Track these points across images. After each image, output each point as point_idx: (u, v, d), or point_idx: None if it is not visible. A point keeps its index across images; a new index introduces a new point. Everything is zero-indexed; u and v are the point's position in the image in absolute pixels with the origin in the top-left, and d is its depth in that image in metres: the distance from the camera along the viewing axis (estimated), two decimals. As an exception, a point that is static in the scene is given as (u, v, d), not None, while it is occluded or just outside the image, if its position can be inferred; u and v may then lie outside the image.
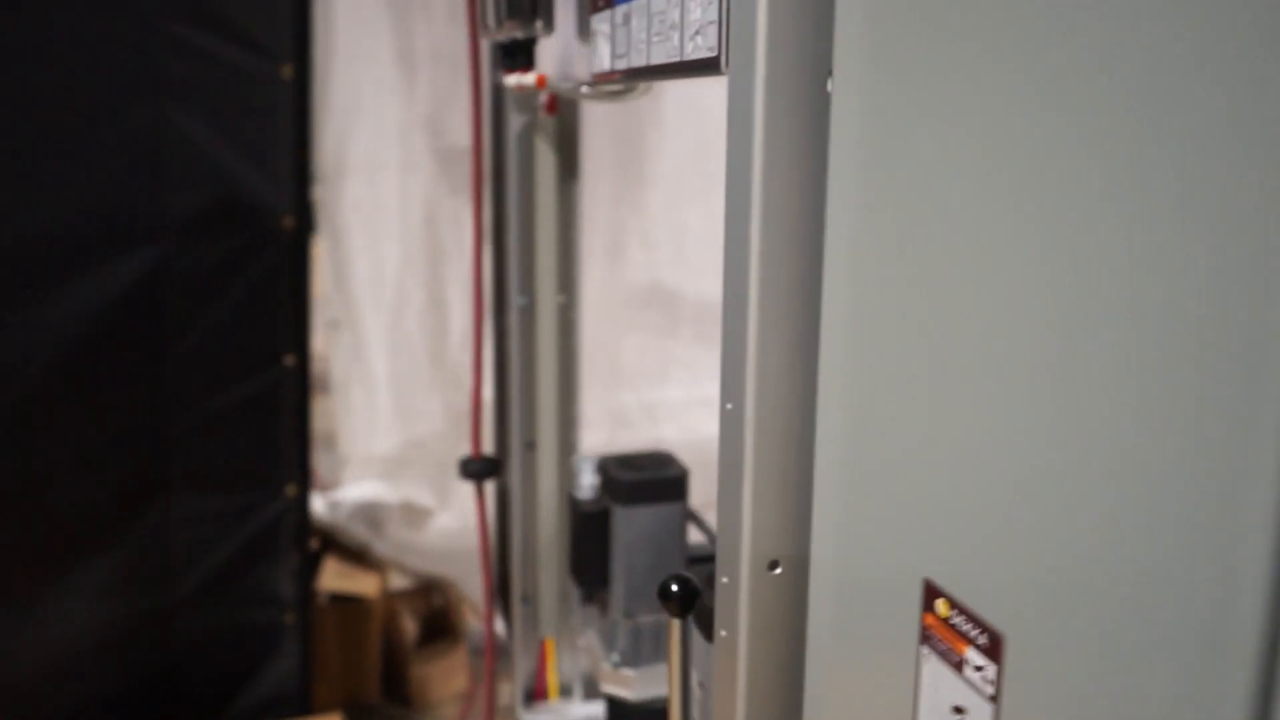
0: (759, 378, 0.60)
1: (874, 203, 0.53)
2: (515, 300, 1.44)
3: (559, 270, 1.45)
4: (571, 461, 1.33)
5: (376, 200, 2.71)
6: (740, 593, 0.64)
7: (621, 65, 0.82)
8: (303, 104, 1.84)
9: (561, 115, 1.41)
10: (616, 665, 1.29)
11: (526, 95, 1.36)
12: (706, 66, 0.63)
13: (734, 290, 0.60)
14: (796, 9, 0.56)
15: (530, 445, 1.47)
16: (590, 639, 1.36)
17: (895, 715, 0.54)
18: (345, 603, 2.43)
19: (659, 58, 0.73)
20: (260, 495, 1.94)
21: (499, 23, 1.00)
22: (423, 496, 2.74)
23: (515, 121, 1.40)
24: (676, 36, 0.68)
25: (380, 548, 2.70)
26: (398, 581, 2.70)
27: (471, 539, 2.77)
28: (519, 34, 1.00)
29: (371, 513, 2.73)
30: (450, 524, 2.75)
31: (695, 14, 0.65)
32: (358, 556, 2.60)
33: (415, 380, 2.73)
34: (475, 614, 2.77)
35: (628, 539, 1.26)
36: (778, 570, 0.64)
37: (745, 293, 0.59)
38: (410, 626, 2.51)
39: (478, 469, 1.57)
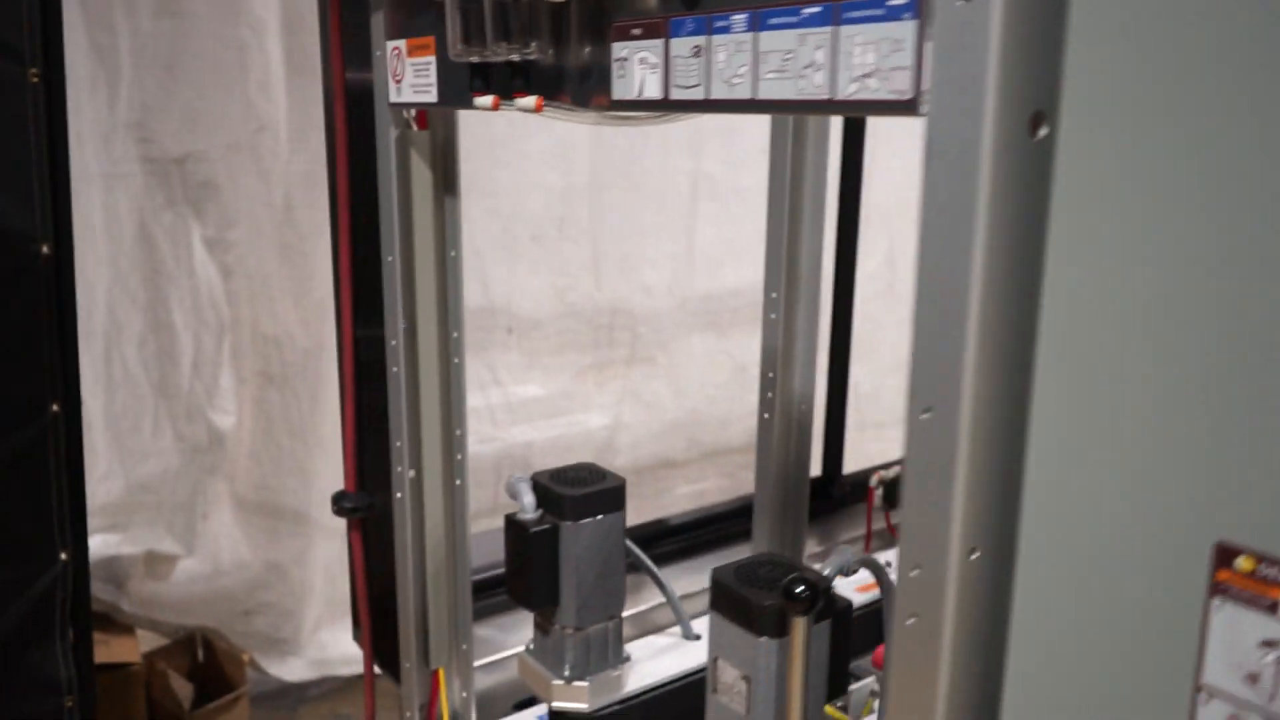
0: (972, 381, 0.67)
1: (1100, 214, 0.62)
2: (398, 325, 1.37)
3: (439, 294, 1.40)
4: (508, 484, 1.30)
5: (78, 215, 2.37)
6: (946, 580, 0.71)
7: (690, 95, 0.84)
8: (55, 111, 1.59)
9: (435, 130, 1.35)
10: (569, 679, 1.30)
11: (397, 109, 1.30)
12: (890, 107, 0.68)
13: (942, 305, 0.66)
14: (1014, 53, 0.63)
15: (416, 473, 1.40)
16: (529, 660, 1.34)
17: (1148, 674, 0.64)
18: (103, 672, 2.14)
19: (777, 94, 0.77)
20: (31, 566, 1.66)
21: (493, 41, 0.96)
22: (165, 544, 2.47)
23: (387, 136, 1.32)
24: (822, 75, 0.73)
25: (127, 606, 2.41)
26: (155, 640, 2.42)
27: (228, 581, 2.55)
28: (516, 56, 0.96)
29: (110, 569, 2.42)
30: (200, 569, 2.51)
31: (866, 58, 0.70)
32: (106, 620, 2.29)
33: (139, 415, 2.45)
34: (255, 662, 2.55)
35: (576, 553, 1.26)
36: (975, 556, 0.71)
37: (962, 310, 0.66)
38: (181, 686, 2.26)
39: (354, 505, 1.47)
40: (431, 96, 1.20)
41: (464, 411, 1.45)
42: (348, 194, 1.42)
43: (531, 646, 1.36)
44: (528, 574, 1.27)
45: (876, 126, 2.56)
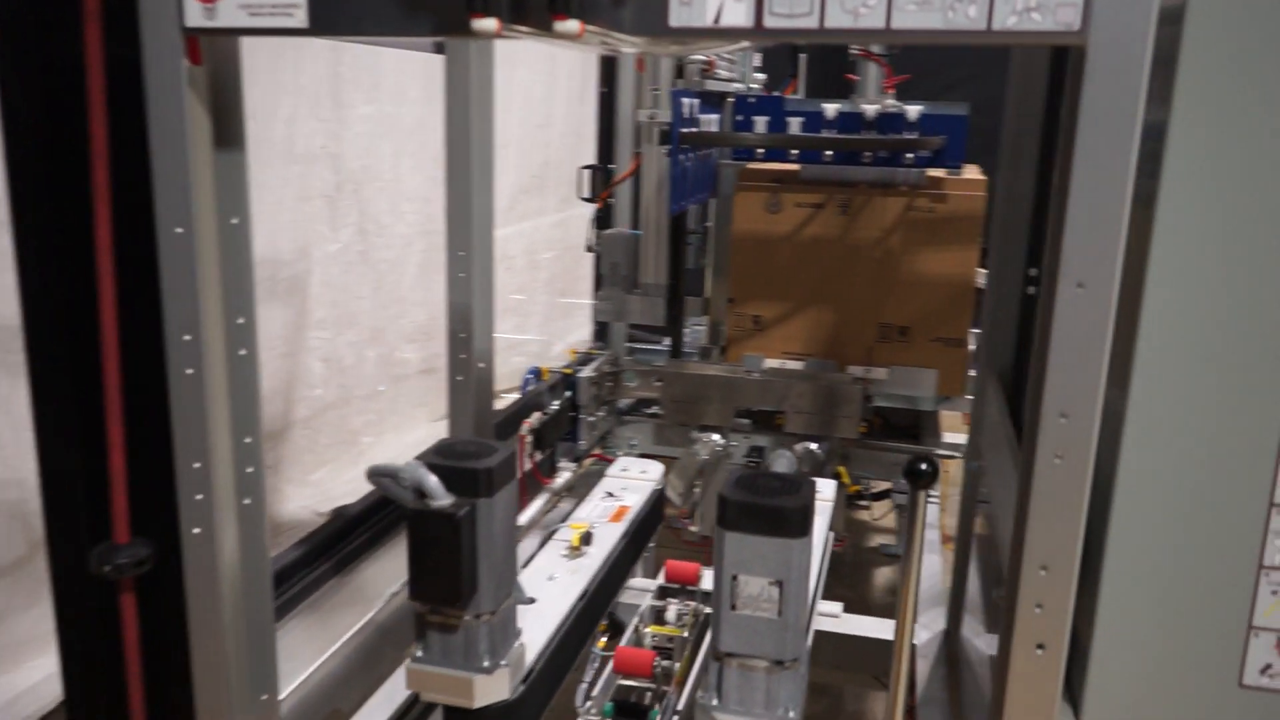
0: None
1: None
2: (196, 312, 1.09)
3: (221, 270, 1.14)
4: (408, 472, 1.13)
5: None
6: (1091, 424, 0.90)
7: (794, 24, 0.88)
8: None
9: (214, 66, 1.09)
10: (489, 669, 1.20)
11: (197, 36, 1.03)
12: (1052, 37, 0.83)
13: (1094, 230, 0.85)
14: None
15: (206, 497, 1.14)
16: (430, 669, 1.20)
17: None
18: None
19: (917, 24, 0.86)
20: None
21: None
22: None
23: (169, 71, 1.03)
24: (976, 8, 0.84)
25: None
26: None
27: None
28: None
29: None
30: None
31: (1031, -8, 0.83)
32: None
33: None
34: None
35: (493, 530, 1.17)
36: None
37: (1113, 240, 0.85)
38: None
39: (132, 558, 1.13)
40: (295, 19, 0.98)
41: (257, 414, 1.21)
42: (107, 150, 1.06)
43: (421, 653, 1.21)
44: (451, 567, 1.13)
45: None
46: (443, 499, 1.13)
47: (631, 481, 1.91)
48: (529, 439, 2.17)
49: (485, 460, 1.17)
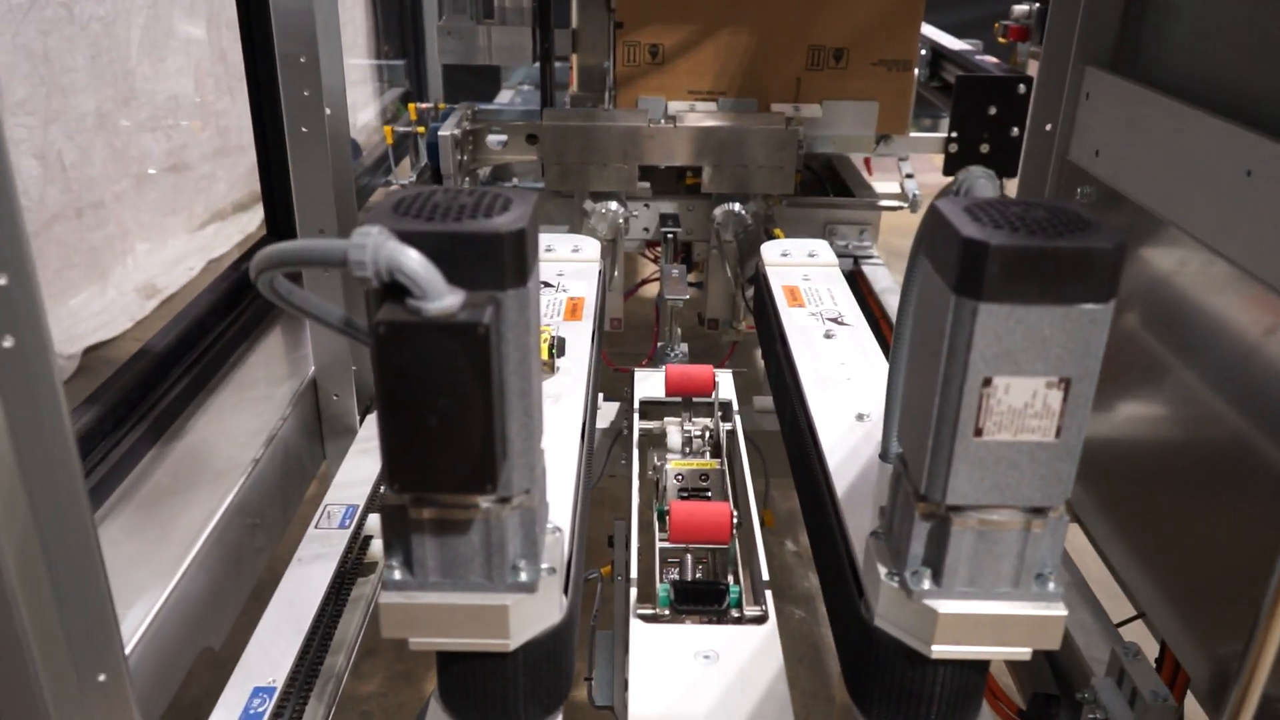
0: None
1: None
2: None
3: None
4: (371, 252, 0.55)
5: None
6: None
7: None
8: None
9: None
10: (529, 584, 0.69)
11: None
12: None
13: None
14: None
15: None
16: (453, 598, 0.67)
17: None
18: None
19: None
20: None
21: None
22: None
23: None
24: None
25: None
26: None
27: None
28: None
29: None
30: None
31: None
32: None
33: None
34: None
35: (527, 346, 0.63)
36: None
37: None
38: None
39: None
40: None
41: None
42: None
43: (399, 574, 0.68)
44: (470, 423, 0.59)
45: None
46: (447, 297, 0.58)
47: (567, 264, 1.38)
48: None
49: (503, 218, 0.61)
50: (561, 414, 1.00)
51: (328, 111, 1.22)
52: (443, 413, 0.59)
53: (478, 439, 0.61)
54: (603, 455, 1.32)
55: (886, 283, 1.93)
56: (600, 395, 1.38)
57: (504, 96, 2.52)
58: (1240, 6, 1.00)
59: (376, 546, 1.22)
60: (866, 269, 1.99)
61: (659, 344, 1.68)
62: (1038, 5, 1.98)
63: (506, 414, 0.63)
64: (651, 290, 2.24)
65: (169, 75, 3.26)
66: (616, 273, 1.86)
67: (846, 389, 1.07)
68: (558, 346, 1.08)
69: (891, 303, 1.86)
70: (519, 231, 0.60)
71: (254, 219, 3.72)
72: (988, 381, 0.63)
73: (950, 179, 0.75)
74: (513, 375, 0.63)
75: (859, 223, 2.03)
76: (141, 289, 3.16)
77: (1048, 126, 1.27)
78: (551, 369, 1.07)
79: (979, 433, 0.65)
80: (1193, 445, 1.06)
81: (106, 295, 3.00)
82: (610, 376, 1.90)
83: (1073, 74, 1.21)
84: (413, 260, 0.57)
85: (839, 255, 2.02)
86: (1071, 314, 0.61)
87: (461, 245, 0.59)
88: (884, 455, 0.93)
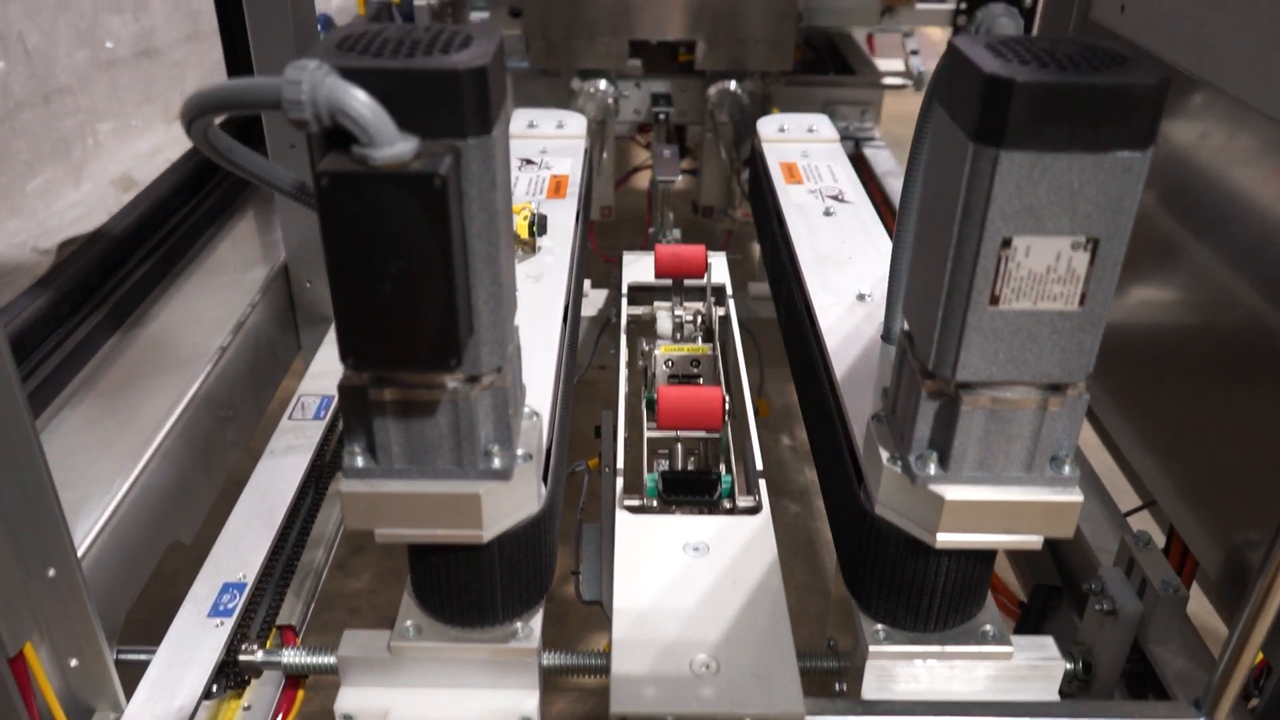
0: None
1: None
2: None
3: None
4: (308, 90, 0.48)
5: None
6: None
7: None
8: None
9: None
10: (503, 471, 0.63)
11: None
12: None
13: None
14: None
15: None
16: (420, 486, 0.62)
17: None
18: None
19: None
20: None
21: None
22: None
23: None
24: None
25: None
26: None
27: None
28: None
29: None
30: None
31: None
32: None
33: None
34: None
35: (492, 202, 0.56)
36: None
37: None
38: None
39: None
40: None
41: None
42: None
43: (362, 462, 0.63)
44: (431, 290, 0.53)
45: None
46: (398, 144, 0.50)
47: (550, 141, 1.29)
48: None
49: (462, 54, 0.53)
50: (542, 295, 0.94)
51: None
52: (397, 278, 0.53)
53: (438, 308, 0.54)
54: (590, 344, 1.26)
55: (889, 165, 1.84)
56: (588, 282, 1.32)
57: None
58: None
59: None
60: (868, 151, 1.90)
61: (650, 230, 1.60)
62: None
63: (472, 281, 0.57)
64: (644, 180, 2.16)
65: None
66: (605, 155, 1.77)
67: (847, 268, 1.00)
68: (539, 224, 1.01)
69: (894, 186, 1.78)
70: (480, 69, 0.52)
71: (233, 109, 3.59)
72: (1007, 242, 0.57)
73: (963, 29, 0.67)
74: (477, 238, 0.56)
75: (861, 102, 1.93)
76: (117, 181, 3.05)
77: (1068, -14, 1.18)
78: (533, 248, 1.00)
79: (995, 300, 0.58)
80: (1210, 329, 1.00)
81: (81, 188, 2.90)
82: (600, 268, 1.83)
83: (1098, -75, 1.11)
84: (357, 100, 0.50)
85: (841, 138, 1.95)
86: (1105, 162, 0.54)
87: (414, 84, 0.52)
88: (886, 336, 0.87)
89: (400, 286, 0.53)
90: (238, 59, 1.66)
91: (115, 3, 3.02)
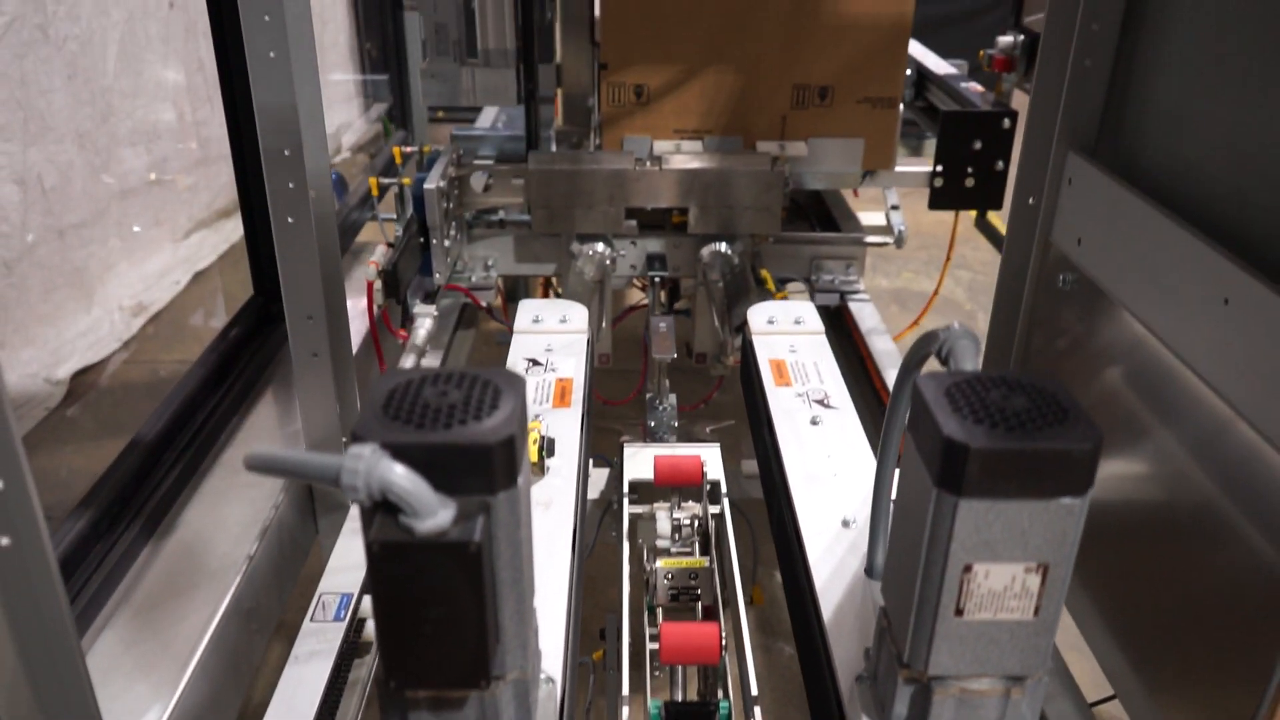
0: None
1: None
2: None
3: None
4: (364, 476, 0.56)
5: None
6: None
7: None
8: None
9: None
10: (525, 752, 0.71)
11: None
12: None
13: None
14: None
15: None
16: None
17: None
18: None
19: None
20: None
21: None
22: None
23: None
24: None
25: None
26: None
27: None
28: None
29: None
30: None
31: None
32: None
33: None
34: None
35: (517, 541, 0.64)
36: None
37: None
38: None
39: None
40: None
41: None
42: None
43: (400, 748, 0.70)
44: (462, 627, 0.61)
45: None
46: (439, 514, 0.59)
47: (555, 336, 1.39)
48: (377, 285, 1.56)
49: (492, 420, 0.62)
50: (554, 521, 1.01)
51: (312, 195, 1.22)
52: (436, 622, 0.61)
53: (471, 641, 0.62)
54: (593, 528, 1.34)
55: (873, 322, 1.94)
56: (590, 462, 1.39)
57: (485, 118, 2.50)
58: (1203, 100, 1.00)
59: (371, 628, 1.23)
60: (853, 305, 2.00)
61: (647, 395, 1.69)
62: (1023, 38, 1.97)
63: (500, 606, 0.65)
64: (640, 318, 2.25)
65: (143, 90, 3.22)
66: (604, 324, 1.87)
67: (833, 488, 1.08)
68: (547, 448, 1.10)
69: (877, 345, 1.87)
70: (507, 440, 0.61)
71: (238, 227, 3.71)
72: (968, 568, 0.65)
73: (927, 339, 0.75)
74: (504, 569, 0.64)
75: (845, 258, 2.03)
76: (128, 308, 3.14)
77: (1030, 200, 1.28)
78: (541, 470, 1.08)
79: (959, 613, 0.66)
80: (1175, 526, 1.07)
81: (91, 313, 2.99)
82: (598, 408, 1.91)
83: (1055, 157, 1.22)
84: (404, 480, 0.58)
85: (825, 291, 2.05)
86: (1050, 507, 0.63)
87: (453, 457, 0.60)
88: (869, 571, 0.95)
89: (439, 627, 0.61)
90: (249, 187, 1.77)
91: (129, 136, 3.15)
